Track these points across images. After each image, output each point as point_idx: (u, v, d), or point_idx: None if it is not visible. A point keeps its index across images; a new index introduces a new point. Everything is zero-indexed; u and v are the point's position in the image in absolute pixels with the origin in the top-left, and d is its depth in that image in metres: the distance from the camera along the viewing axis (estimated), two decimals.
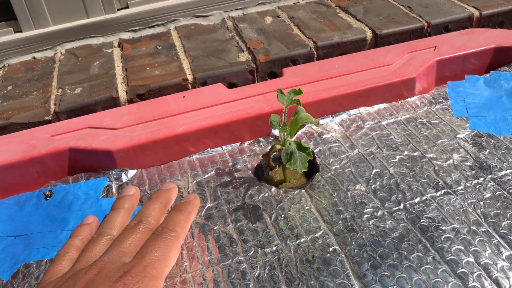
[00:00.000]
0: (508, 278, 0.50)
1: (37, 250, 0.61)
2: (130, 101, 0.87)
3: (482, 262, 0.52)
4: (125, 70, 0.93)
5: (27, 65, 1.02)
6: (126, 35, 1.06)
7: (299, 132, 0.75)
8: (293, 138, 0.71)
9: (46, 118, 0.84)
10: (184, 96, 0.80)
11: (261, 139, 0.75)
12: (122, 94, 0.87)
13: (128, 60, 0.97)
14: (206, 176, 0.69)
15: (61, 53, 1.05)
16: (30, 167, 0.71)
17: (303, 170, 0.57)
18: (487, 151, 0.68)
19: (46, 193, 0.69)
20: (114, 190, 0.69)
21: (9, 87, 0.94)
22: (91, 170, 0.73)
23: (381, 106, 0.79)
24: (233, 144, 0.74)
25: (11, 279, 0.57)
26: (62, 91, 0.90)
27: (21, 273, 0.57)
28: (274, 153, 0.64)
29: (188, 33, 1.03)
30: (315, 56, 0.91)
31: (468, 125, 0.74)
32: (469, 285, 0.50)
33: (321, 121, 0.76)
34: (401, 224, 0.58)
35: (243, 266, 0.55)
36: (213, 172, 0.69)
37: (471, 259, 0.52)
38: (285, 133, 0.63)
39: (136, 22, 1.06)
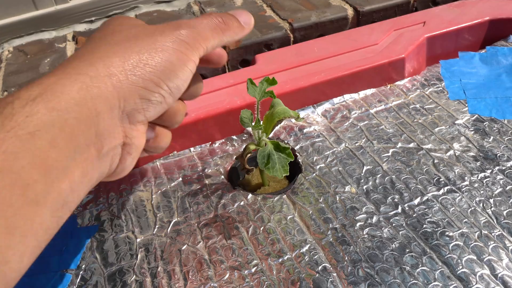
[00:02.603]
0: None
1: None
2: None
3: (499, 274, 0.44)
4: None
5: None
6: (81, 27, 0.95)
7: (277, 127, 0.66)
8: (270, 135, 0.62)
9: None
10: None
11: (234, 137, 0.65)
12: None
13: None
14: (173, 184, 0.59)
15: (8, 51, 0.94)
16: None
17: (284, 175, 0.48)
18: (491, 138, 0.60)
19: None
20: None
21: None
22: None
23: (368, 92, 0.70)
24: (202, 145, 0.65)
25: None
26: (8, 94, 0.79)
27: None
28: (249, 154, 0.55)
29: (150, 21, 0.93)
30: (292, 39, 0.82)
31: (467, 108, 0.65)
32: None
33: (302, 114, 0.67)
34: (400, 232, 0.49)
35: None
36: (180, 179, 0.60)
37: (486, 271, 0.44)
38: (260, 131, 0.53)
39: (92, 11, 0.95)
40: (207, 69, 0.80)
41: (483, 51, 0.76)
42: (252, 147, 0.54)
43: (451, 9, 0.81)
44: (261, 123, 0.53)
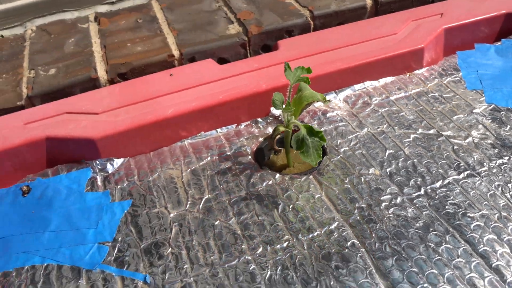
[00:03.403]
0: None
1: (16, 255, 0.54)
2: (111, 81, 0.78)
3: None
4: (104, 47, 0.84)
5: None
6: (102, 8, 0.97)
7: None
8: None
9: (18, 103, 0.75)
10: (171, 74, 0.72)
11: (259, 119, 0.68)
12: (101, 74, 0.78)
13: (106, 35, 0.88)
14: (202, 163, 0.62)
15: (31, 30, 0.95)
16: (3, 160, 0.63)
17: (318, 160, 0.51)
18: (508, 126, 0.62)
19: (23, 188, 0.62)
20: (99, 182, 0.61)
21: None
22: (73, 160, 0.65)
23: (388, 79, 0.73)
24: (229, 126, 0.67)
25: None
26: (35, 72, 0.81)
27: (0, 284, 0.50)
28: (278, 135, 0.57)
29: (170, 4, 0.94)
30: (312, 26, 0.84)
31: (484, 98, 0.68)
32: (508, 280, 0.45)
33: (326, 96, 0.69)
34: (424, 212, 0.52)
35: (251, 267, 0.48)
36: (209, 158, 0.62)
37: (507, 250, 0.47)
38: (289, 113, 0.56)
39: None
40: (229, 53, 0.82)
41: (499, 43, 0.78)
42: (281, 128, 0.57)
43: (468, 1, 0.84)
44: (291, 106, 0.55)
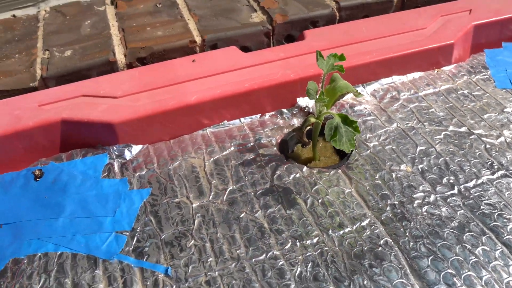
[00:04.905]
0: None
1: (28, 242, 0.52)
2: (130, 65, 0.76)
3: None
4: (122, 30, 0.82)
5: (6, 24, 0.90)
6: None
7: None
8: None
9: (31, 84, 0.73)
10: (193, 60, 0.69)
11: (285, 110, 0.66)
12: (120, 58, 0.76)
13: (124, 19, 0.85)
14: (225, 153, 0.60)
15: (45, 10, 0.92)
16: (15, 142, 0.61)
17: (351, 149, 0.49)
18: None
19: (35, 172, 0.60)
20: (116, 169, 0.59)
21: None
22: (88, 145, 0.63)
23: (416, 75, 0.71)
24: (253, 116, 0.65)
25: None
26: (50, 53, 0.78)
27: (10, 271, 0.48)
28: (308, 127, 0.55)
29: None
30: (337, 18, 0.82)
31: None
32: None
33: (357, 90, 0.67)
34: (458, 212, 0.50)
35: (280, 263, 0.46)
36: (233, 148, 0.60)
37: None
38: (322, 103, 0.54)
39: None
40: (252, 41, 0.79)
41: None
42: (312, 120, 0.55)
43: None
44: (324, 96, 0.53)
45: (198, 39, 0.77)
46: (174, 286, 0.45)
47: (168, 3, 0.88)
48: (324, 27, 0.76)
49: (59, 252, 0.50)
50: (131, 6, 0.89)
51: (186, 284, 0.45)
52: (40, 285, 0.46)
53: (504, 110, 0.64)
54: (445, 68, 0.72)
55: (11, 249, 0.51)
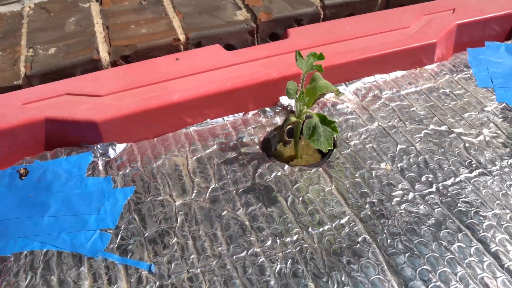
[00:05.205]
0: None
1: (14, 240, 0.52)
2: (114, 63, 0.76)
3: None
4: (106, 27, 0.81)
5: None
6: None
7: None
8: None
9: (15, 82, 0.73)
10: (177, 59, 0.70)
11: (267, 109, 0.66)
12: (104, 56, 0.76)
13: (108, 16, 0.85)
14: (208, 151, 0.60)
15: (29, 7, 0.92)
16: (0, 140, 0.60)
17: (329, 148, 0.49)
18: None
19: (20, 171, 0.60)
20: (100, 167, 0.60)
21: None
22: (73, 144, 0.63)
23: (399, 73, 0.72)
24: (236, 115, 0.66)
25: None
26: (34, 51, 0.78)
27: None
28: (289, 126, 0.56)
29: None
30: (322, 16, 0.82)
31: (495, 97, 0.67)
32: None
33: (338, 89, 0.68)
34: (436, 210, 0.51)
35: (260, 260, 0.47)
36: (215, 146, 0.61)
37: None
38: (302, 103, 0.54)
39: None
40: (236, 39, 0.80)
41: (509, 42, 0.77)
42: (293, 118, 0.55)
43: None
44: (304, 95, 0.54)
45: (182, 37, 0.77)
46: (158, 283, 0.46)
47: (153, 0, 0.88)
48: (308, 26, 0.77)
49: (45, 250, 0.50)
50: (115, 3, 0.88)
51: (169, 281, 0.46)
52: (26, 282, 0.47)
53: (484, 109, 0.65)
54: (427, 67, 0.73)
55: None
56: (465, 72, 0.72)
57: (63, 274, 0.48)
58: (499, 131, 0.61)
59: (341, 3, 0.82)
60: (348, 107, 0.66)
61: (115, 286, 0.46)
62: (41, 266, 0.49)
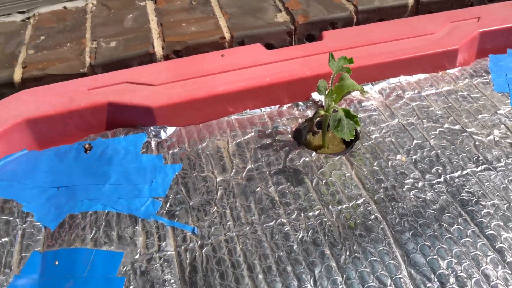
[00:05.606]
0: None
1: (81, 201, 0.63)
2: (166, 57, 0.86)
3: None
4: (160, 25, 0.92)
5: (58, 15, 1.01)
6: None
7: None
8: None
9: (81, 70, 0.84)
10: (222, 55, 0.79)
11: (300, 103, 0.75)
12: (158, 50, 0.86)
13: (162, 14, 0.95)
14: (246, 137, 0.69)
15: (92, 3, 1.03)
16: (69, 120, 0.71)
17: (350, 138, 0.58)
18: None
19: (85, 146, 0.70)
20: (153, 146, 0.70)
21: (42, 37, 0.93)
22: (130, 125, 0.73)
23: (422, 76, 0.79)
24: (272, 107, 0.75)
25: (58, 229, 0.59)
26: (97, 43, 0.89)
27: (67, 224, 0.59)
28: (318, 118, 0.64)
29: None
30: (355, 20, 0.90)
31: (509, 101, 0.73)
32: (508, 260, 0.51)
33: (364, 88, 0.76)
34: (441, 197, 0.58)
35: (286, 228, 0.56)
36: (253, 133, 0.70)
37: (510, 235, 0.54)
38: (330, 99, 0.63)
39: None
40: (276, 39, 0.88)
41: None
42: (322, 112, 0.64)
43: (506, 7, 0.88)
44: (333, 93, 0.62)
45: (227, 36, 0.87)
46: (199, 242, 0.55)
47: (202, 1, 0.98)
48: (341, 29, 0.84)
49: (106, 211, 0.61)
50: (168, 2, 0.99)
51: (209, 241, 0.55)
52: (91, 235, 0.57)
53: (498, 111, 0.71)
54: (449, 71, 0.80)
55: (67, 207, 0.62)
56: (484, 77, 0.78)
57: (121, 231, 0.58)
58: (508, 132, 0.67)
59: (373, 8, 0.90)
60: (372, 104, 0.73)
61: (164, 242, 0.56)
62: (103, 223, 0.59)
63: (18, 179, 0.66)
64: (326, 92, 0.62)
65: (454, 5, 0.95)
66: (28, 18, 1.01)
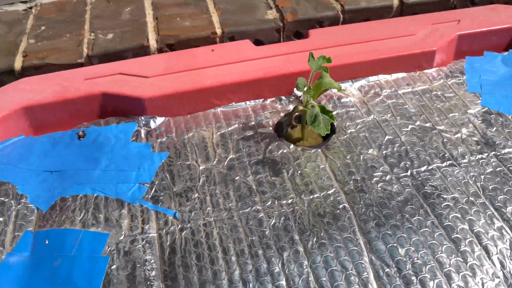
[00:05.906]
0: (496, 246, 0.56)
1: (72, 185, 0.67)
2: (160, 50, 0.90)
3: (475, 230, 0.58)
4: (156, 19, 0.96)
5: (58, 5, 1.05)
6: None
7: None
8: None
9: (78, 61, 0.88)
10: (212, 50, 0.83)
11: (283, 97, 0.79)
12: (152, 43, 0.90)
13: (158, 8, 0.99)
14: (230, 128, 0.74)
15: None
16: (64, 108, 0.76)
17: (326, 132, 0.62)
18: (494, 128, 0.72)
19: (79, 133, 0.75)
20: (142, 135, 0.74)
21: (43, 27, 0.97)
22: (121, 114, 0.78)
23: (400, 75, 0.83)
24: (256, 100, 0.79)
25: (49, 210, 0.63)
26: (95, 35, 0.93)
27: (58, 206, 0.64)
28: (297, 113, 0.69)
29: None
30: (341, 19, 0.94)
31: (480, 101, 0.77)
32: (461, 249, 0.56)
33: (342, 86, 0.80)
34: (406, 190, 0.63)
35: (260, 215, 0.61)
36: (237, 125, 0.74)
37: (466, 227, 0.58)
38: (309, 95, 0.67)
39: None
40: (265, 36, 0.92)
41: (506, 53, 0.87)
42: (300, 107, 0.68)
43: (485, 11, 0.92)
44: (311, 90, 0.66)
45: (219, 31, 0.91)
46: (180, 225, 0.60)
47: None
48: (327, 28, 0.88)
49: (95, 194, 0.65)
50: None
51: (188, 225, 0.60)
52: (80, 217, 0.62)
53: (468, 111, 0.75)
54: (427, 71, 0.84)
55: (59, 190, 0.67)
56: (459, 78, 0.82)
57: (108, 213, 0.62)
58: (475, 131, 0.72)
59: (359, 9, 0.94)
60: (351, 101, 0.78)
61: (147, 225, 0.61)
62: (92, 206, 0.64)
63: (14, 163, 0.70)
64: (305, 89, 0.66)
65: (438, 7, 0.99)
66: (30, 8, 1.05)
